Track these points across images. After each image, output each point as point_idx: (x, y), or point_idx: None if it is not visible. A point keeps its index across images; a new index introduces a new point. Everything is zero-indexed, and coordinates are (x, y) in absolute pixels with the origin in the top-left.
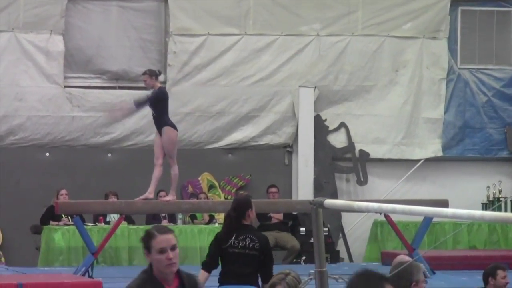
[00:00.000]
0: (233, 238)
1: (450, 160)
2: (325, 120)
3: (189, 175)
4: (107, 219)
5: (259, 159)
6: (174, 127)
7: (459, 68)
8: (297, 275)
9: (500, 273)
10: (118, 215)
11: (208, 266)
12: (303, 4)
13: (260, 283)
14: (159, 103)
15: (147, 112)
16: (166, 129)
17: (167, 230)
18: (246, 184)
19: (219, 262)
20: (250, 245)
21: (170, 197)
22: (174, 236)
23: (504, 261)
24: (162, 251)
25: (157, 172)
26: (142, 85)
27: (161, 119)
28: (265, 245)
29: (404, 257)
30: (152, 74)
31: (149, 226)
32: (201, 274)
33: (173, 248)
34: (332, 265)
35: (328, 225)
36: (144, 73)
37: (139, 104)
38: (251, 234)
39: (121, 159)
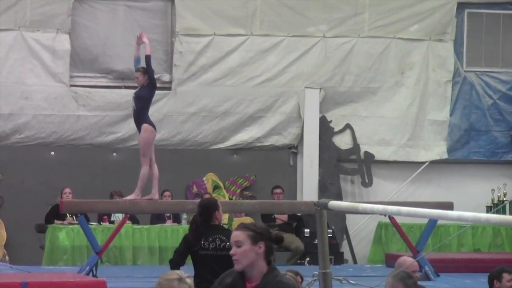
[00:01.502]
0: (202, 240)
1: (455, 163)
2: (331, 121)
3: (194, 175)
4: (112, 219)
5: (264, 160)
6: (153, 126)
7: (465, 71)
8: (292, 275)
9: (506, 276)
10: (123, 215)
11: (176, 265)
12: (310, 5)
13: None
14: (144, 97)
15: (152, 111)
16: (145, 127)
17: (239, 227)
18: (251, 184)
19: (185, 262)
20: (221, 246)
21: (133, 196)
22: (242, 232)
23: (509, 264)
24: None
25: (154, 171)
26: None
27: (141, 115)
28: None
29: (407, 259)
30: (145, 71)
31: (153, 226)
32: None
33: (237, 244)
34: (336, 266)
35: (333, 227)
36: (137, 70)
37: (137, 61)
38: (220, 234)
39: (126, 159)
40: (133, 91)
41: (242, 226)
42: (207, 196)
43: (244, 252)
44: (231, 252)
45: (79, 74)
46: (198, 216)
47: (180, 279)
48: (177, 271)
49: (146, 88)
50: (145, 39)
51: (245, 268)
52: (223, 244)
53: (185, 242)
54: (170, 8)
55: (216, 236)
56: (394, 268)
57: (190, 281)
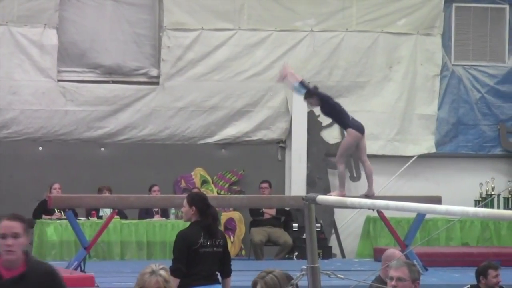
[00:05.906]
0: (201, 237)
1: (443, 157)
2: (319, 116)
3: (182, 170)
4: (100, 214)
5: (252, 154)
6: (358, 127)
7: (453, 65)
8: (280, 273)
9: (491, 272)
10: (111, 210)
11: (180, 272)
12: (298, 0)
13: (220, 279)
14: (330, 113)
15: (140, 106)
16: (349, 131)
17: (14, 218)
18: (239, 179)
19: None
20: (216, 243)
21: (337, 193)
22: (21, 225)
23: (497, 258)
24: (2, 236)
25: (367, 169)
26: (136, 79)
27: (342, 123)
28: (225, 241)
29: (394, 251)
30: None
31: (141, 221)
32: (173, 281)
33: (15, 236)
34: (325, 261)
35: (321, 221)
36: (305, 98)
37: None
38: None
39: (114, 154)
40: (121, 86)
41: (16, 217)
42: (195, 190)
43: (20, 243)
44: (7, 242)
45: (67, 69)
46: (214, 208)
47: (152, 272)
48: (151, 265)
49: (324, 105)
50: (286, 74)
51: (18, 259)
52: (218, 241)
53: (183, 241)
54: (157, 2)
55: None
56: (382, 261)
57: (163, 272)
